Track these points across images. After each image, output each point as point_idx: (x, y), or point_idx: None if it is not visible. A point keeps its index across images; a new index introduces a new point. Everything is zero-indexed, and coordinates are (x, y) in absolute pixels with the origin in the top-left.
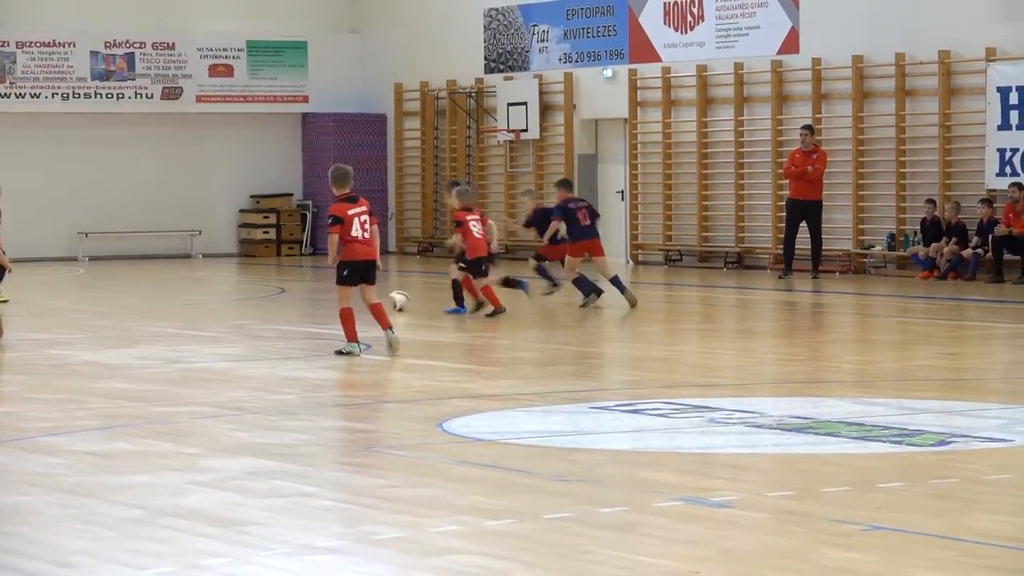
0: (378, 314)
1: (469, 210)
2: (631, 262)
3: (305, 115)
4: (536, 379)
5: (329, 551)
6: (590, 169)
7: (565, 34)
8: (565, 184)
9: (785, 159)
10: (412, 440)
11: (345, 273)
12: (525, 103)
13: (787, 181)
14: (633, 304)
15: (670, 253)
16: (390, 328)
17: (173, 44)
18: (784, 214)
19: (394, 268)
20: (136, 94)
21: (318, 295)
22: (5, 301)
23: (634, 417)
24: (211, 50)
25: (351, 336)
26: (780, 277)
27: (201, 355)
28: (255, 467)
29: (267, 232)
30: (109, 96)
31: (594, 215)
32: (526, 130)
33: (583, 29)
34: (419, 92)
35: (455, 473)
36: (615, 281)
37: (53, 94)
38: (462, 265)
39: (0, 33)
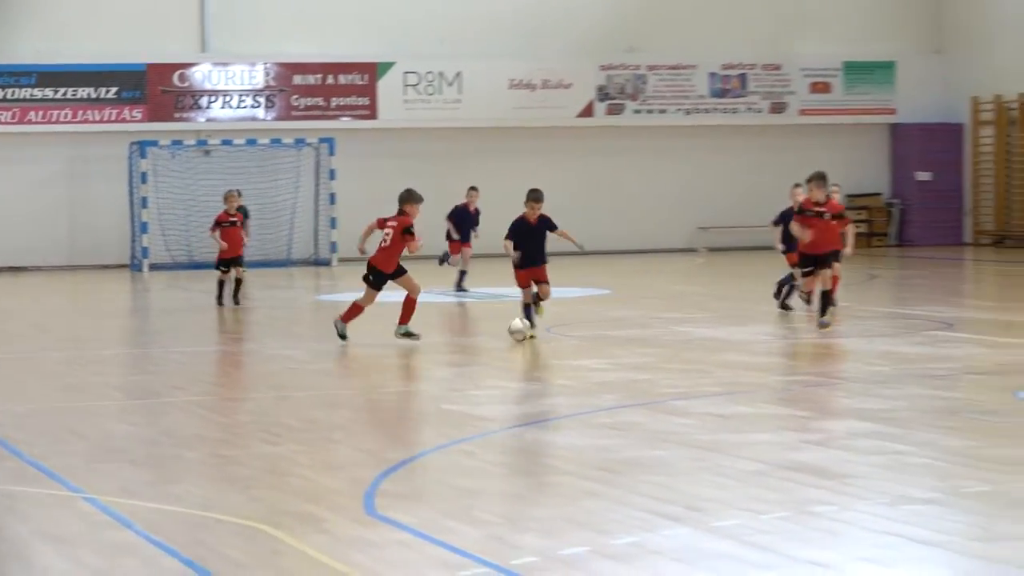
0: None
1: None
2: None
3: (893, 126)
4: None
5: (924, 502)
6: None
7: None
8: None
9: None
10: (993, 407)
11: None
12: None
13: None
14: None
15: None
16: None
17: (779, 66)
18: None
19: (970, 257)
20: (748, 109)
21: (904, 280)
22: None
23: None
24: (812, 70)
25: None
26: None
27: (806, 332)
28: (858, 429)
29: (858, 226)
30: (725, 111)
31: None
32: None
33: None
34: (993, 104)
35: None
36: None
37: (677, 109)
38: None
39: (635, 58)
